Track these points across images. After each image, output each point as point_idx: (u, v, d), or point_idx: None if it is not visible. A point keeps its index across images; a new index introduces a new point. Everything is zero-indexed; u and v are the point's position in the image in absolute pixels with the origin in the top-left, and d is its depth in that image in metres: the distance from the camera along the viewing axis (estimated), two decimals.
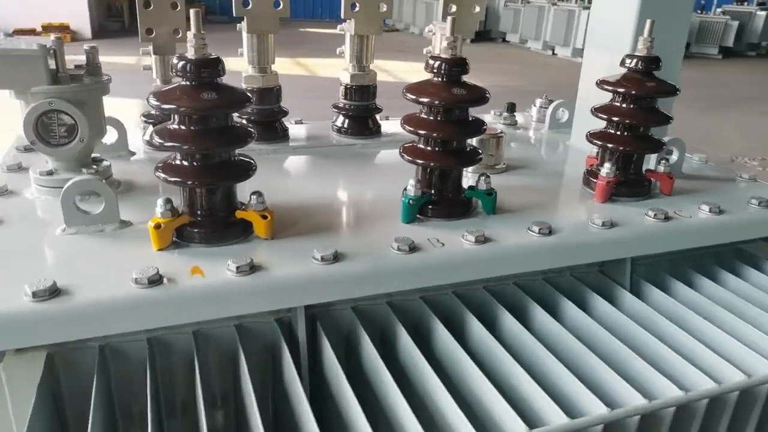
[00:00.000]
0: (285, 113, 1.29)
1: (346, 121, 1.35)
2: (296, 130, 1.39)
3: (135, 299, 0.70)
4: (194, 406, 0.75)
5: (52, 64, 0.88)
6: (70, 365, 0.75)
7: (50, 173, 0.95)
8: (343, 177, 1.16)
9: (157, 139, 0.79)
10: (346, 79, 1.32)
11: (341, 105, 1.35)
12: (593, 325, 0.89)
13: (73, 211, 0.83)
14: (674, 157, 1.19)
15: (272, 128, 1.28)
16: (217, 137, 0.79)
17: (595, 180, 1.07)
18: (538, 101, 1.58)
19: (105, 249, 0.81)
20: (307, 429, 0.69)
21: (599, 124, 1.08)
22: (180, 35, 1.16)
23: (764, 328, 0.87)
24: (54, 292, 0.69)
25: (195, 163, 0.81)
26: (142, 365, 0.78)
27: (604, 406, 0.70)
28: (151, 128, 1.23)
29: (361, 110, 1.34)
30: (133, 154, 1.19)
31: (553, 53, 10.32)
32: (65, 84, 0.90)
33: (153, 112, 1.22)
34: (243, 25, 1.18)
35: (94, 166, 0.98)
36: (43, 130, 0.90)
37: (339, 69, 1.36)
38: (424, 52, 1.21)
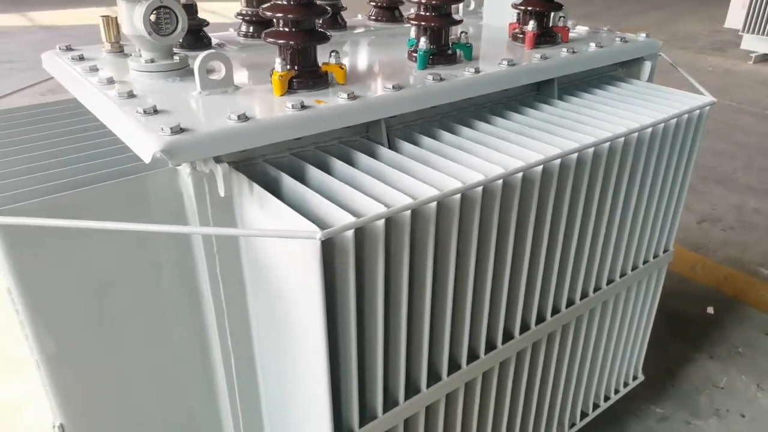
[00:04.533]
0: (344, 8, 1.73)
1: (380, 11, 1.80)
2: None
3: (298, 117, 1.05)
4: None
5: None
6: (244, 173, 1.08)
7: (152, 61, 1.21)
8: (373, 51, 1.54)
9: (269, 13, 1.11)
10: None
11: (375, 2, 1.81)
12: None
13: (205, 77, 1.13)
14: (565, 18, 1.72)
15: (335, 20, 1.72)
16: (311, 10, 1.13)
17: (522, 35, 1.56)
18: None
19: (241, 99, 1.12)
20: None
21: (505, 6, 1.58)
22: None
23: (612, 111, 1.44)
24: (246, 117, 1.01)
25: (294, 29, 1.14)
26: (288, 172, 1.13)
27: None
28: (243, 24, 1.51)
29: (390, 2, 1.83)
30: None
31: None
32: None
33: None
34: None
35: (178, 54, 1.25)
36: (153, 24, 1.16)
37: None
38: None
